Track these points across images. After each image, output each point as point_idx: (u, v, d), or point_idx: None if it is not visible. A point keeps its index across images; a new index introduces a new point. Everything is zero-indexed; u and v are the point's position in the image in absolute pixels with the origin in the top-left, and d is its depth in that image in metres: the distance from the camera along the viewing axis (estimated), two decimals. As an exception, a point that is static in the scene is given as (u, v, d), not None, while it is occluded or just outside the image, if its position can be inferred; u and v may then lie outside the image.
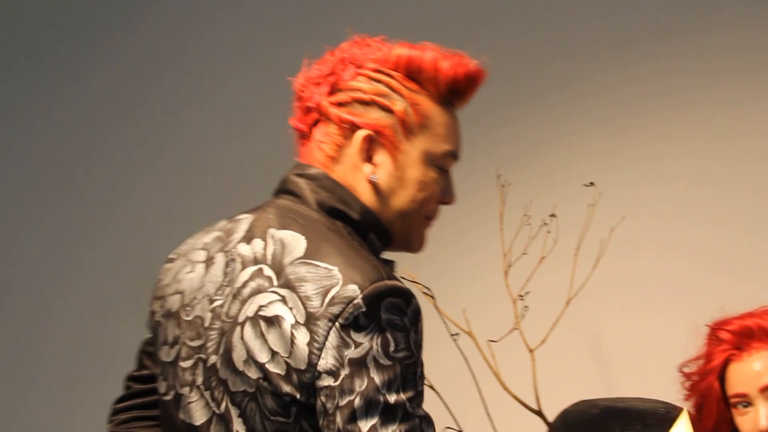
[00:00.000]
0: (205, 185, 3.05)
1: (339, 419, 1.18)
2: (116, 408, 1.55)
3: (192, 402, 1.33)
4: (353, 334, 1.19)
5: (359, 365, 1.18)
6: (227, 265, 1.33)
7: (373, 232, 1.37)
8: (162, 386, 1.40)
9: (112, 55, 3.17)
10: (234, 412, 1.27)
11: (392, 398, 1.18)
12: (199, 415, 1.32)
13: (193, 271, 1.38)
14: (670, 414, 1.95)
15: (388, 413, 1.18)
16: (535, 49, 2.82)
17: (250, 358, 1.24)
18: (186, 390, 1.34)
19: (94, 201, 3.13)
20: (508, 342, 2.23)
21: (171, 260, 1.48)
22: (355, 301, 1.19)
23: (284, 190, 1.39)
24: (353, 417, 1.17)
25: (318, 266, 1.23)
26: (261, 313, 1.24)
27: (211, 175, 3.06)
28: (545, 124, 2.84)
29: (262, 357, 1.23)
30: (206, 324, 1.32)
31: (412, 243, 1.43)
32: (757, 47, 2.57)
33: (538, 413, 2.13)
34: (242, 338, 1.25)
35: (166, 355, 1.39)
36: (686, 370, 1.87)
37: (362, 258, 1.25)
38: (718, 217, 2.59)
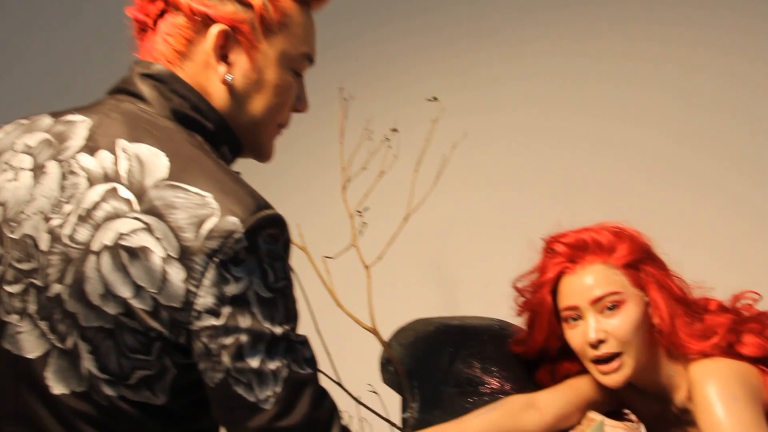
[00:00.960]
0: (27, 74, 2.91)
1: (226, 358, 1.17)
2: None
3: (22, 332, 1.26)
4: (232, 269, 1.16)
5: (241, 301, 1.17)
6: (64, 177, 1.24)
7: (226, 144, 1.33)
8: None
9: None
10: (84, 348, 1.22)
11: (277, 330, 1.19)
12: (31, 347, 1.25)
13: (17, 180, 1.28)
14: (504, 331, 2.02)
15: (275, 346, 1.19)
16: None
17: (109, 293, 1.19)
18: (14, 318, 1.27)
19: None
20: (343, 258, 2.25)
21: None
22: (236, 236, 1.16)
23: (126, 91, 1.31)
24: (240, 354, 1.17)
25: (188, 191, 1.18)
26: (122, 242, 1.18)
27: (32, 63, 2.93)
28: (391, 38, 2.84)
29: (124, 292, 1.18)
30: (42, 246, 1.23)
31: (263, 152, 1.41)
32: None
33: (373, 331, 2.17)
34: (99, 270, 1.19)
35: None
36: (520, 285, 1.94)
37: (236, 182, 1.21)
38: (561, 136, 2.67)
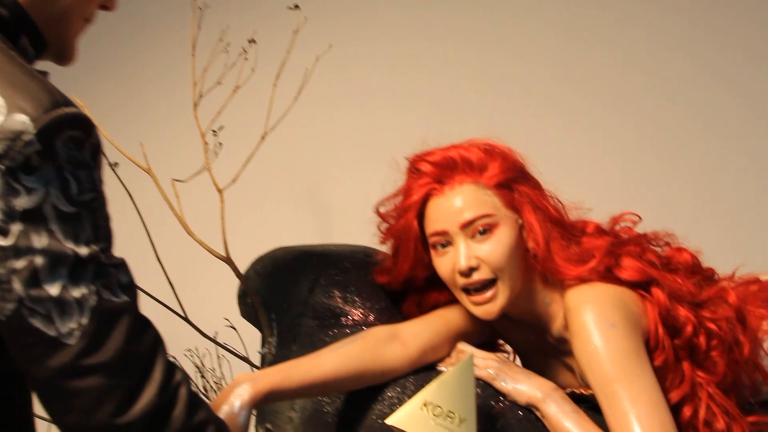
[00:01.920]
0: None
1: (18, 286, 1.03)
2: None
3: None
4: (23, 179, 1.02)
5: (35, 217, 1.03)
6: None
7: (25, 35, 1.17)
8: None
9: None
10: None
11: (82, 251, 1.05)
12: None
13: None
14: (369, 258, 1.92)
15: (80, 269, 1.05)
16: None
17: None
18: None
19: None
20: (194, 182, 2.09)
21: None
22: (26, 137, 1.01)
23: None
24: (36, 280, 1.03)
25: None
26: None
27: None
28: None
29: None
30: None
31: (66, 51, 1.26)
32: None
33: (227, 261, 2.01)
34: None
35: None
36: (383, 209, 1.80)
37: (29, 76, 1.07)
38: (430, 54, 2.58)
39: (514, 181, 1.70)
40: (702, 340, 1.69)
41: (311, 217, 2.53)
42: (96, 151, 1.09)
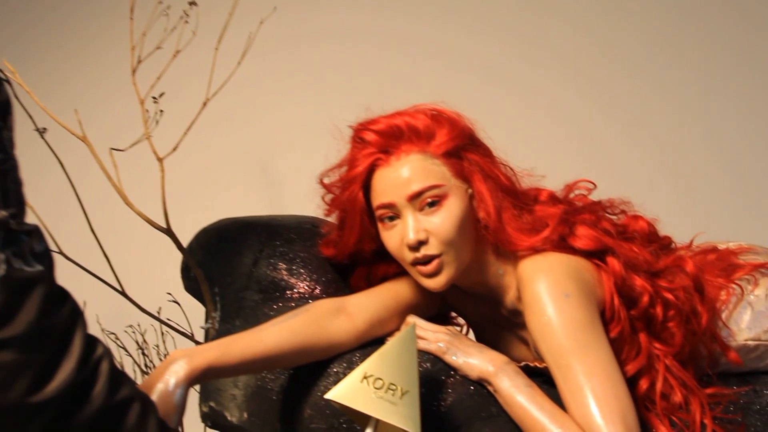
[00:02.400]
0: None
1: None
2: None
3: None
4: None
5: None
6: None
7: None
8: None
9: None
10: None
11: None
12: None
13: None
14: (316, 228, 1.85)
15: None
16: None
17: None
18: None
19: None
20: (132, 151, 2.00)
21: None
22: None
23: None
24: None
25: None
26: None
27: None
28: None
29: None
30: None
31: None
32: None
33: (168, 232, 1.93)
34: None
35: None
36: (327, 180, 1.73)
37: None
38: (382, 21, 2.51)
39: (463, 149, 1.63)
40: (659, 310, 1.64)
41: (257, 187, 2.46)
42: (5, 109, 1.00)
